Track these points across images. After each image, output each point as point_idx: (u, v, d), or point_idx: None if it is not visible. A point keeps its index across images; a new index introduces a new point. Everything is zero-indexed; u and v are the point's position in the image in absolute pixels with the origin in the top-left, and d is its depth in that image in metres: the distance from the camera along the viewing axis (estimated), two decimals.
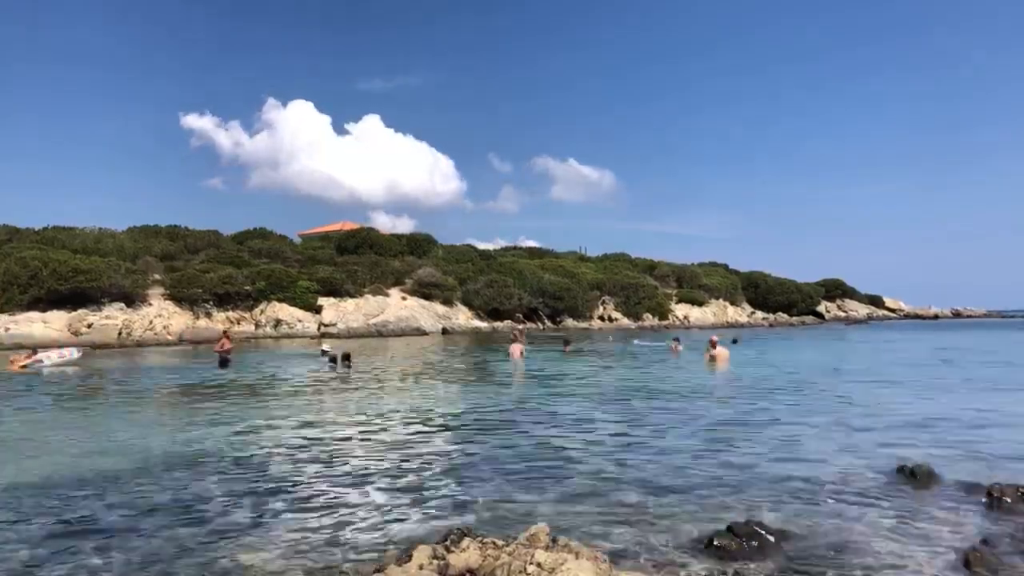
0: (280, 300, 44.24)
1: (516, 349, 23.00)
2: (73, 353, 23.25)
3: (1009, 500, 6.03)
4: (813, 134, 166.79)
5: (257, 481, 7.01)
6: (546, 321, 56.78)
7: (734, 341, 30.52)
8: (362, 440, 9.20)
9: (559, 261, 67.96)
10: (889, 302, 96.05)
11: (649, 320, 61.97)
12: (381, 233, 65.98)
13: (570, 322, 57.09)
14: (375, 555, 4.85)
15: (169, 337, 38.44)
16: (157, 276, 44.18)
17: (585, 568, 3.88)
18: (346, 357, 19.83)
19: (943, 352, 27.29)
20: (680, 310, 66.43)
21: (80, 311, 38.26)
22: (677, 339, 29.52)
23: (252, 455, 8.27)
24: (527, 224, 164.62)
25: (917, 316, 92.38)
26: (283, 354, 27.64)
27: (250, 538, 5.27)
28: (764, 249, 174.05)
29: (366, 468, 7.56)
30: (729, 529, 5.14)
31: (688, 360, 23.29)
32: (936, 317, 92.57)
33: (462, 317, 52.18)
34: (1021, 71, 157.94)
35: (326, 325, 43.94)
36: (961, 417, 10.83)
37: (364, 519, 5.73)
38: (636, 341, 34.54)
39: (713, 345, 21.88)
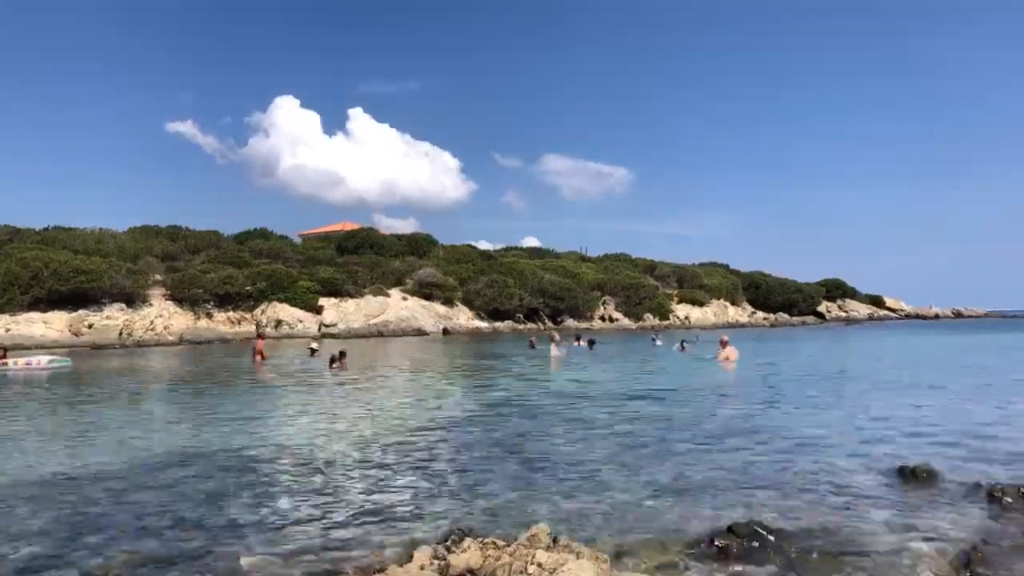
0: (281, 300, 44.27)
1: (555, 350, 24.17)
2: (42, 360, 21.72)
3: (1010, 500, 6.03)
4: (814, 134, 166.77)
5: (257, 480, 7.01)
6: (547, 321, 56.79)
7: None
8: (362, 440, 9.19)
9: (559, 261, 68.01)
10: (890, 302, 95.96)
11: (650, 320, 61.95)
12: (381, 233, 66.04)
13: (571, 322, 57.08)
14: (376, 556, 4.85)
15: (170, 337, 38.47)
16: (158, 276, 44.25)
17: (586, 568, 3.88)
18: (342, 354, 20.25)
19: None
20: (681, 310, 66.42)
21: (81, 311, 38.33)
22: (684, 341, 30.04)
23: (251, 454, 8.27)
24: (533, 225, 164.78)
25: (918, 316, 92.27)
26: (285, 354, 27.62)
27: (250, 538, 5.27)
28: (764, 249, 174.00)
29: (366, 468, 7.56)
30: (729, 529, 5.14)
31: (693, 358, 23.27)
32: (937, 317, 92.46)
33: (463, 317, 52.20)
34: (1022, 70, 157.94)
35: (327, 325, 43.95)
36: (962, 417, 10.81)
37: (364, 519, 5.73)
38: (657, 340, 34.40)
39: (723, 345, 20.58)
